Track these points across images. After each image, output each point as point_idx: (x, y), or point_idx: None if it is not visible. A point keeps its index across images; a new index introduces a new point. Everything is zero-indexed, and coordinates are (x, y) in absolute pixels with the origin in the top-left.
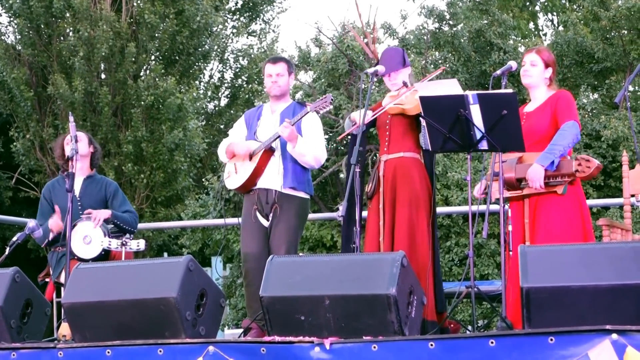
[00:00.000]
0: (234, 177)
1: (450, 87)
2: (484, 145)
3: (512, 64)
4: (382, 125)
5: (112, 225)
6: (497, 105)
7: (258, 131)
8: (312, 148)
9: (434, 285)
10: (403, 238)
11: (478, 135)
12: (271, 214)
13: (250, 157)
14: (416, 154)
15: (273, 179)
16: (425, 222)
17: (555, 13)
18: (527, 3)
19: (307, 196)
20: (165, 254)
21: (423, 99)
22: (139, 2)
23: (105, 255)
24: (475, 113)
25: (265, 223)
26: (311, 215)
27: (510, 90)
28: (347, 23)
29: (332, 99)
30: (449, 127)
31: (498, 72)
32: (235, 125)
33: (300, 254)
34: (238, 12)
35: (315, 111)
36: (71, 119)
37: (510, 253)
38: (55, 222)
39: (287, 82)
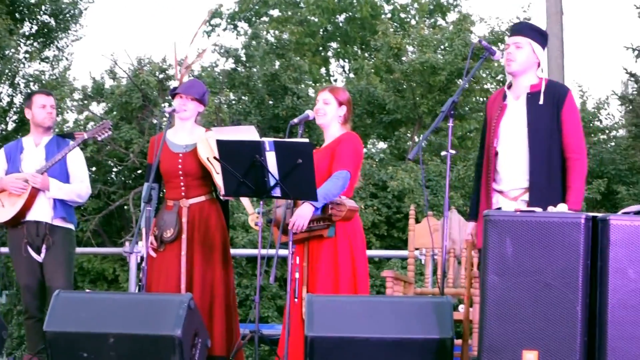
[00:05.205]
0: (0, 210)
1: (248, 133)
2: (277, 192)
3: (310, 113)
4: (172, 166)
5: None
6: (293, 154)
7: (23, 165)
8: (73, 189)
9: (226, 324)
10: (201, 280)
11: (272, 181)
12: (44, 247)
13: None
14: (213, 196)
15: (43, 210)
16: (220, 263)
17: (347, 60)
18: (320, 48)
19: (74, 227)
20: None
21: (220, 142)
22: None
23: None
24: (271, 160)
25: (38, 257)
26: (95, 249)
27: (306, 140)
28: (144, 57)
29: (110, 126)
30: (244, 172)
31: (295, 120)
32: None
33: (87, 290)
34: (32, 37)
35: (94, 137)
36: None
37: (296, 300)
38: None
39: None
